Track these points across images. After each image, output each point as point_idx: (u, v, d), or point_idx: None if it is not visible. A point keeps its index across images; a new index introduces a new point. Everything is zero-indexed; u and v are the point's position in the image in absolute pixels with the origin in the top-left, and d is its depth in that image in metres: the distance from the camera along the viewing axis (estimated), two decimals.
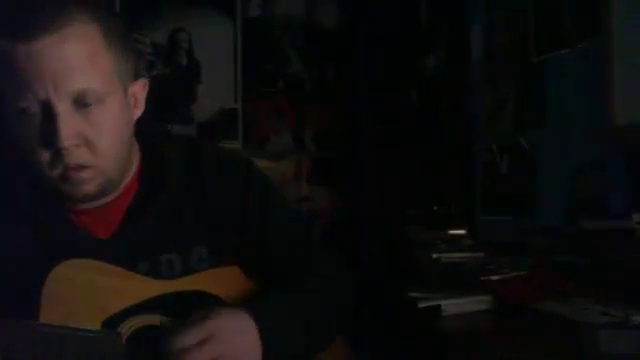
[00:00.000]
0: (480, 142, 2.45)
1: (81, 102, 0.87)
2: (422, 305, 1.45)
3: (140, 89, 0.99)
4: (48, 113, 0.85)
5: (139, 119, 1.00)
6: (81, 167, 0.88)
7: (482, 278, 1.59)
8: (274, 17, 3.06)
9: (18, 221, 0.94)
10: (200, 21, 2.93)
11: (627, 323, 1.12)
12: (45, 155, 0.87)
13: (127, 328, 0.90)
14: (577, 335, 1.08)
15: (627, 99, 1.72)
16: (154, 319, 0.92)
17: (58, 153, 0.86)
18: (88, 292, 0.88)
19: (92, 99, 0.87)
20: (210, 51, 2.94)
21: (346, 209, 3.06)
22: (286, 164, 3.03)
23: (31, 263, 0.90)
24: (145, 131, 1.04)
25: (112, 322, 0.89)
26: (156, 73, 2.87)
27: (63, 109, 0.85)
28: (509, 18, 2.27)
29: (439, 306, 1.44)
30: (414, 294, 1.53)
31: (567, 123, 1.96)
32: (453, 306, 1.45)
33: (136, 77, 0.98)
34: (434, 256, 1.88)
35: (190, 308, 0.93)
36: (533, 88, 2.12)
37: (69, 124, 0.85)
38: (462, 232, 2.11)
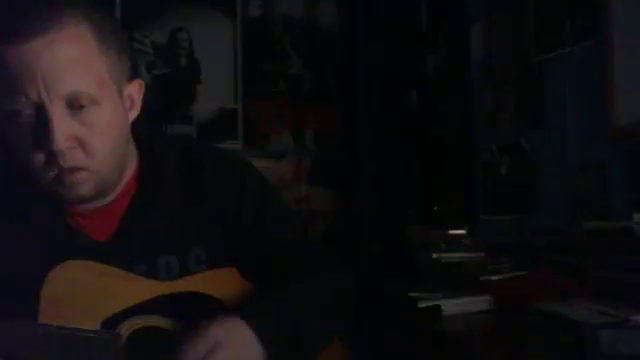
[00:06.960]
0: (480, 142, 2.45)
1: (74, 104, 0.86)
2: (422, 305, 1.45)
3: (136, 90, 0.98)
4: (41, 116, 0.84)
5: (137, 120, 0.99)
6: (76, 169, 0.88)
7: (482, 278, 1.59)
8: (274, 17, 3.06)
9: (17, 222, 0.94)
10: (200, 21, 2.92)
11: (627, 323, 1.12)
12: (39, 157, 0.86)
13: (126, 329, 0.89)
14: (577, 335, 1.08)
15: (627, 99, 1.72)
16: (153, 320, 0.92)
17: (52, 155, 0.85)
18: (87, 293, 0.88)
19: (85, 101, 0.86)
20: (210, 51, 2.93)
21: (346, 209, 3.05)
22: (286, 164, 3.02)
23: (30, 264, 0.89)
24: (142, 132, 1.03)
25: (111, 323, 0.88)
26: (156, 73, 2.87)
27: (56, 112, 0.84)
28: (509, 18, 2.27)
29: (439, 306, 1.44)
30: (414, 294, 1.53)
31: (567, 123, 1.96)
32: (453, 306, 1.45)
33: (132, 78, 0.97)
34: (434, 256, 1.88)
35: (189, 309, 0.93)
36: (533, 88, 2.12)
37: (63, 127, 0.85)
38: (462, 232, 2.11)
